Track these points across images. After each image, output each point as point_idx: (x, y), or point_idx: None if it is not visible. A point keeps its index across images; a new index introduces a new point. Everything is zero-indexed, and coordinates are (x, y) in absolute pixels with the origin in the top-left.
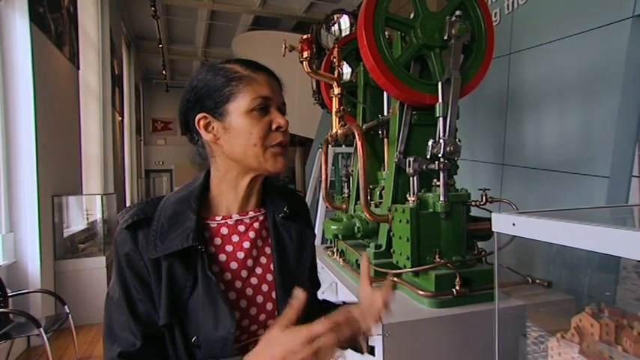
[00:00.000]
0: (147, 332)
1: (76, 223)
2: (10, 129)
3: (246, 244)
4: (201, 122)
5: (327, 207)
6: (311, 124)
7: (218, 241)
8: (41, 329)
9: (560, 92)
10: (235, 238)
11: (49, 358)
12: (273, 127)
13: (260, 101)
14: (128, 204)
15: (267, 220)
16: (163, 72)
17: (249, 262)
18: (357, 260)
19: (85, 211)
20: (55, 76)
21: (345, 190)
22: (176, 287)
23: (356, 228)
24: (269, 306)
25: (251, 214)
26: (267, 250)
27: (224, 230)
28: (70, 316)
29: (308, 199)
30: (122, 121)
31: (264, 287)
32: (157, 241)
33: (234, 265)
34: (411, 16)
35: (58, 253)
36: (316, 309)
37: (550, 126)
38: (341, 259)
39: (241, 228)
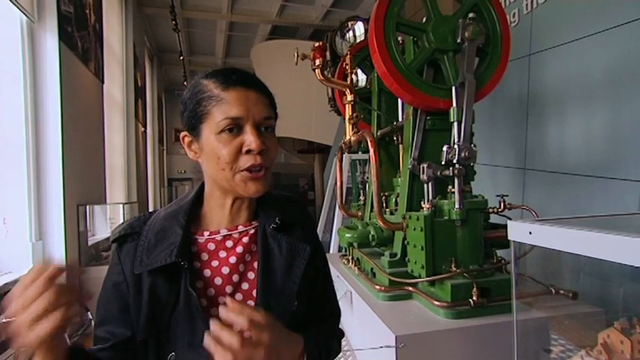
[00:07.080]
0: (113, 349)
1: (100, 231)
2: (39, 142)
3: (233, 259)
4: (186, 139)
5: (343, 215)
6: (329, 130)
7: (205, 256)
8: (65, 334)
9: (585, 92)
10: (222, 254)
11: None
12: (244, 149)
13: (228, 122)
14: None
15: (258, 233)
16: (185, 83)
17: (235, 278)
18: (372, 269)
19: (109, 219)
20: (81, 90)
21: (361, 198)
22: (158, 303)
23: (370, 236)
24: None
25: (241, 228)
26: (256, 264)
27: (211, 246)
28: (92, 322)
29: (325, 207)
30: (145, 131)
31: (250, 303)
32: (143, 256)
33: (218, 280)
34: (424, 20)
35: (84, 260)
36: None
37: (575, 128)
38: (356, 268)
39: (229, 243)
